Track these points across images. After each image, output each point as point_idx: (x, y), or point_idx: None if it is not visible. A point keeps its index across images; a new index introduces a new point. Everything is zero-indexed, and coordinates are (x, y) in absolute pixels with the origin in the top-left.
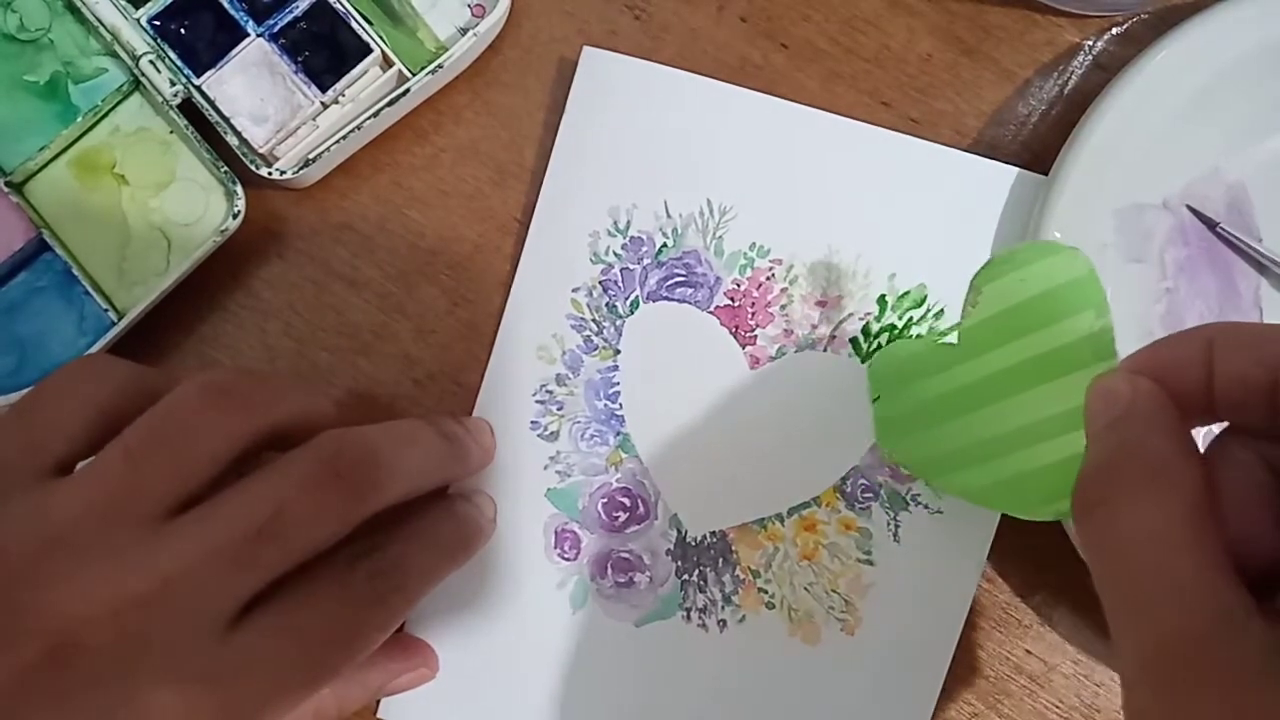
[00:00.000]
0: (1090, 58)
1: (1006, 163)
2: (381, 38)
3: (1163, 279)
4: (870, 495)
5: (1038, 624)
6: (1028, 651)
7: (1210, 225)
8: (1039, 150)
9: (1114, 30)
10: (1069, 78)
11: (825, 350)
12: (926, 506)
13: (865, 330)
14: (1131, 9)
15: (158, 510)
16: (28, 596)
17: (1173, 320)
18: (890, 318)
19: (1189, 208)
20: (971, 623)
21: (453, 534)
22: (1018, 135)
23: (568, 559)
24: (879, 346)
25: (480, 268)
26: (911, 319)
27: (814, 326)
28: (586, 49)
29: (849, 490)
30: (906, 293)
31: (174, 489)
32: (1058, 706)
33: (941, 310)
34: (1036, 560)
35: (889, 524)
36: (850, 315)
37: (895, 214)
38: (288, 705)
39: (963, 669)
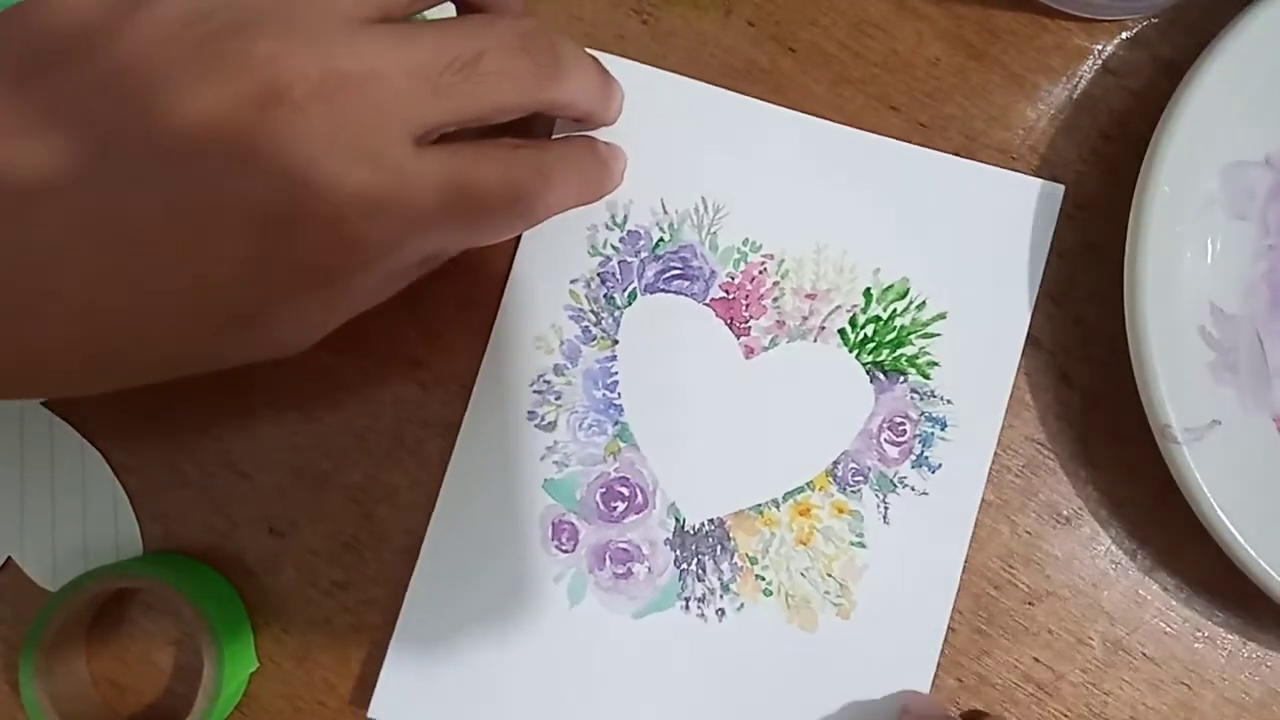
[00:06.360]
0: (1099, 62)
1: (1012, 165)
2: None
3: (1265, 236)
4: (860, 478)
5: (1045, 631)
6: (1035, 659)
7: None
8: (1047, 154)
9: (1123, 34)
10: (1078, 82)
11: (815, 341)
12: (913, 489)
13: (852, 321)
14: (1141, 13)
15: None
16: (243, 40)
17: (1276, 277)
18: (875, 309)
19: None
20: (979, 630)
21: (595, 167)
22: (1026, 139)
23: (565, 551)
24: (866, 336)
25: (488, 269)
26: (895, 310)
27: (804, 318)
28: (587, 51)
29: (840, 474)
30: (890, 286)
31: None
32: (1065, 715)
33: (924, 302)
34: (1044, 566)
35: (879, 506)
36: (838, 307)
37: (878, 212)
38: (430, 234)
39: (970, 677)
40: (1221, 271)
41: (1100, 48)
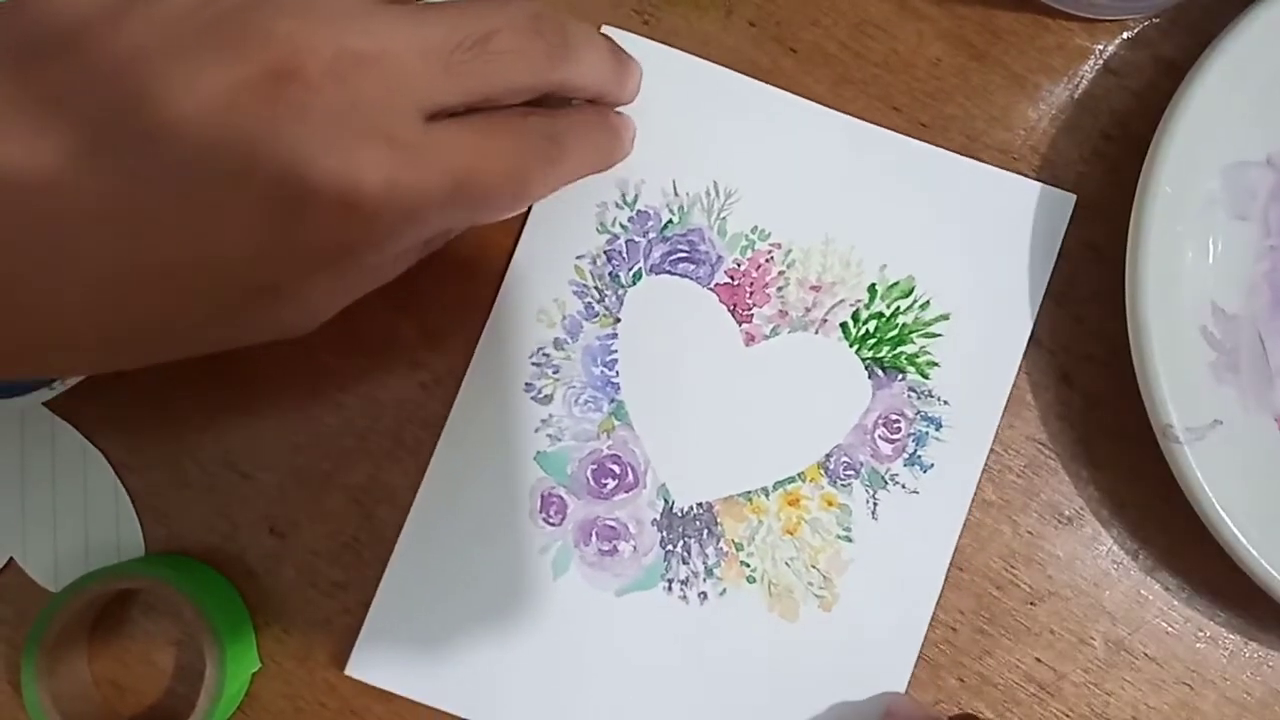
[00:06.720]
0: (1101, 62)
1: (1013, 165)
2: None
3: (1266, 236)
4: (851, 473)
5: (1048, 631)
6: (1037, 659)
7: None
8: (1048, 154)
9: (1125, 35)
10: (1079, 82)
11: (817, 333)
12: (903, 486)
13: (855, 316)
14: (1142, 13)
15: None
16: (256, 18)
17: (1277, 277)
18: (879, 306)
19: None
20: (981, 630)
21: (605, 135)
22: (1027, 140)
23: (552, 524)
24: (867, 332)
25: (488, 270)
26: (899, 308)
27: (808, 310)
28: (606, 28)
29: (832, 467)
30: (895, 283)
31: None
32: (1067, 715)
33: (927, 302)
34: (1045, 566)
35: (868, 501)
36: (842, 301)
37: (889, 209)
38: (443, 208)
39: (972, 677)
40: (1223, 271)
41: (1101, 48)
